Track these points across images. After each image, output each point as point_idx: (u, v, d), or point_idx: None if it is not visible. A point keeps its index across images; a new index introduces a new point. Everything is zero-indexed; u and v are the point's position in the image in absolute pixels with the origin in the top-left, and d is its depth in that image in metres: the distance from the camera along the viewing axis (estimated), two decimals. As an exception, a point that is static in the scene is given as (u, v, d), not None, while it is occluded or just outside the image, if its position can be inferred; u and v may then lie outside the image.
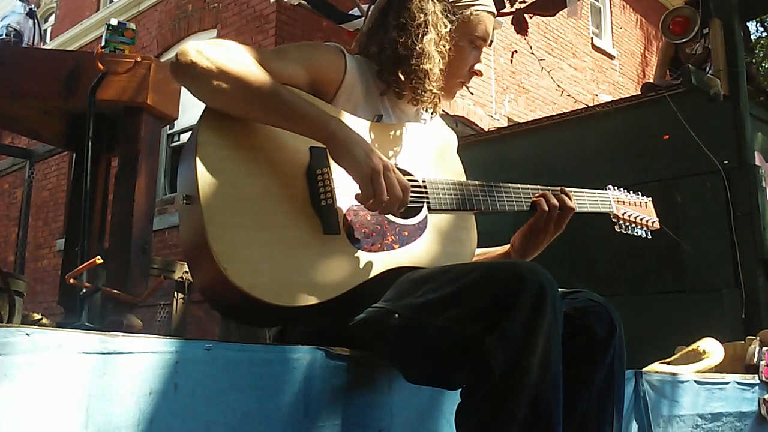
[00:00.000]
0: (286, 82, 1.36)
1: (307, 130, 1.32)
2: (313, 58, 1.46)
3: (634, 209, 1.82)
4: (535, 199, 1.61)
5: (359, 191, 1.31)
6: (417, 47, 1.49)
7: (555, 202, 1.60)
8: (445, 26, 1.53)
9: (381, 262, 1.37)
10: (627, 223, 1.80)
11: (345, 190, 1.36)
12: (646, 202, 1.88)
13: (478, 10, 1.58)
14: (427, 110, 1.64)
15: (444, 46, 1.53)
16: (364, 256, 1.35)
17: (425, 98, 1.54)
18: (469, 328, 1.18)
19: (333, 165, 1.36)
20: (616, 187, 1.83)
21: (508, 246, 1.69)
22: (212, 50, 1.28)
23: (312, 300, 1.26)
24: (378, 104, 1.55)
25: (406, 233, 1.43)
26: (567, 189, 1.67)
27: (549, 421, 1.13)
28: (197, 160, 1.24)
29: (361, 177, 1.29)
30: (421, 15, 1.51)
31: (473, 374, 1.18)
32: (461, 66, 1.60)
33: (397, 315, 1.27)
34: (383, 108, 1.55)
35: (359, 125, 1.45)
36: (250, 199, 1.26)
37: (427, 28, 1.50)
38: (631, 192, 1.86)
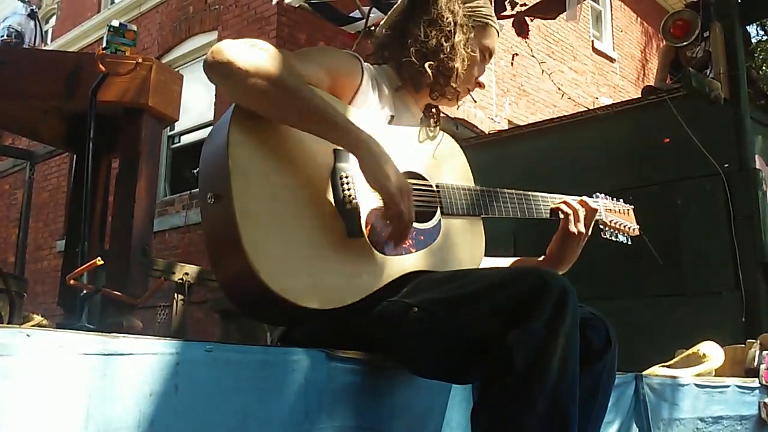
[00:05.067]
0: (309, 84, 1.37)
1: (338, 138, 1.32)
2: (335, 63, 1.47)
3: (619, 216, 1.88)
4: (555, 206, 1.69)
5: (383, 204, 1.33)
6: (447, 44, 1.55)
7: (576, 205, 1.69)
8: (471, 31, 1.60)
9: (400, 265, 1.38)
10: (612, 230, 1.86)
11: (367, 193, 1.37)
12: (628, 210, 1.94)
13: (490, 24, 1.65)
14: (433, 118, 1.68)
15: (468, 49, 1.58)
16: (385, 260, 1.36)
17: (448, 94, 1.61)
18: (489, 324, 1.20)
19: (355, 168, 1.37)
20: (602, 195, 1.87)
21: (540, 257, 1.73)
22: (248, 50, 1.27)
23: (338, 303, 1.27)
24: (388, 111, 1.56)
25: (422, 237, 1.45)
26: (560, 196, 1.72)
27: (566, 419, 1.16)
28: (230, 159, 1.22)
29: (392, 193, 1.30)
30: (450, 15, 1.56)
31: (493, 368, 1.19)
32: (470, 74, 1.63)
33: (416, 309, 1.29)
34: (394, 113, 1.57)
35: (376, 125, 1.47)
36: (280, 201, 1.26)
37: (456, 28, 1.56)
38: (615, 199, 1.91)
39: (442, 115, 1.72)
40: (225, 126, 1.27)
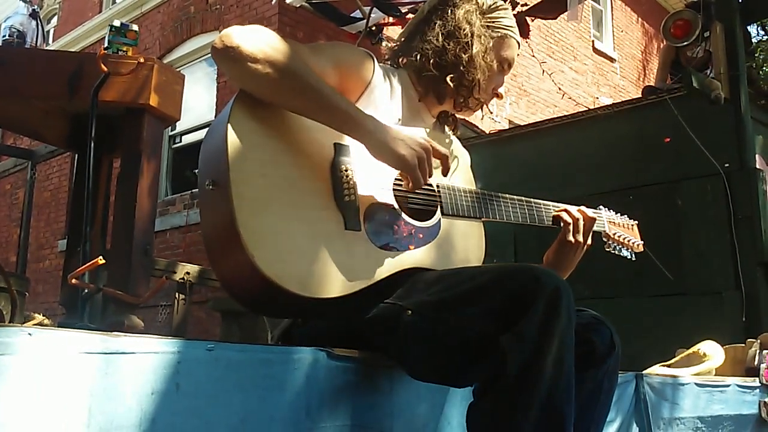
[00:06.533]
0: None
1: (344, 125, 1.33)
2: (346, 59, 1.47)
3: (623, 230, 1.87)
4: (556, 213, 1.67)
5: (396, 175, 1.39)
6: (465, 56, 1.54)
7: (577, 214, 1.67)
8: (489, 41, 1.59)
9: (397, 261, 1.38)
10: (616, 244, 1.85)
11: (366, 187, 1.38)
12: (632, 225, 1.92)
13: (510, 35, 1.64)
14: (449, 125, 1.69)
15: (487, 60, 1.58)
16: (381, 254, 1.37)
17: (471, 105, 1.61)
18: (483, 326, 1.20)
19: (355, 162, 1.38)
20: (607, 208, 1.87)
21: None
22: (255, 35, 1.28)
23: (334, 293, 1.27)
24: (397, 112, 1.56)
25: (421, 236, 1.45)
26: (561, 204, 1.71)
27: (561, 420, 1.15)
28: (228, 145, 1.23)
29: (407, 169, 1.34)
30: (467, 26, 1.56)
31: (488, 372, 1.19)
32: (489, 84, 1.63)
33: (409, 312, 1.29)
34: (402, 116, 1.57)
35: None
36: (278, 189, 1.27)
37: (473, 39, 1.56)
38: (619, 214, 1.90)
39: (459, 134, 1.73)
40: (225, 115, 1.28)
